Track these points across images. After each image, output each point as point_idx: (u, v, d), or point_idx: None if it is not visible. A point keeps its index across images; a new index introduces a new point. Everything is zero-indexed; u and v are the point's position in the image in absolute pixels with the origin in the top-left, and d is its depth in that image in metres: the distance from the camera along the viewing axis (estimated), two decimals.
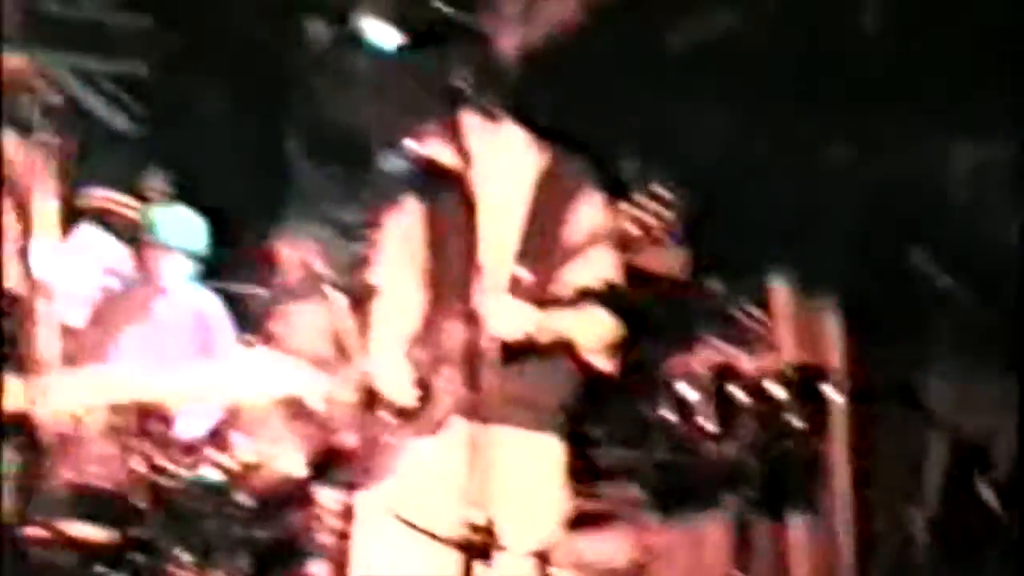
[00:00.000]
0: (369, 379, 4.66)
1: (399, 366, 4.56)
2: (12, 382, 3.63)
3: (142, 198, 6.42)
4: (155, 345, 6.26)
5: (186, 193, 6.62)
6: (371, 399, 4.60)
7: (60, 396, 3.35)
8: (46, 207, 3.44)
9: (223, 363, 5.65)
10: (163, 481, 5.46)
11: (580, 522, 5.26)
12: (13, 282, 3.69)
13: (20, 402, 3.49)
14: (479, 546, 4.05)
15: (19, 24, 3.53)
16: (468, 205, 4.50)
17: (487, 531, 4.06)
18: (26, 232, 3.44)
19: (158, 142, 7.35)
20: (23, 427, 3.51)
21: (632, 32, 7.19)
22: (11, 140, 3.74)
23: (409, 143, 4.64)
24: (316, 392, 3.89)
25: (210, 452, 5.52)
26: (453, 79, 4.39)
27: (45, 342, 3.31)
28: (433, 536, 4.48)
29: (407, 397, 4.54)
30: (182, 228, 6.53)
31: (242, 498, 5.58)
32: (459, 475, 4.41)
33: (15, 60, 3.60)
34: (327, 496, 5.86)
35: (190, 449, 5.56)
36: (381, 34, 7.10)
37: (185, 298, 6.45)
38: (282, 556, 5.98)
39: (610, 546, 6.44)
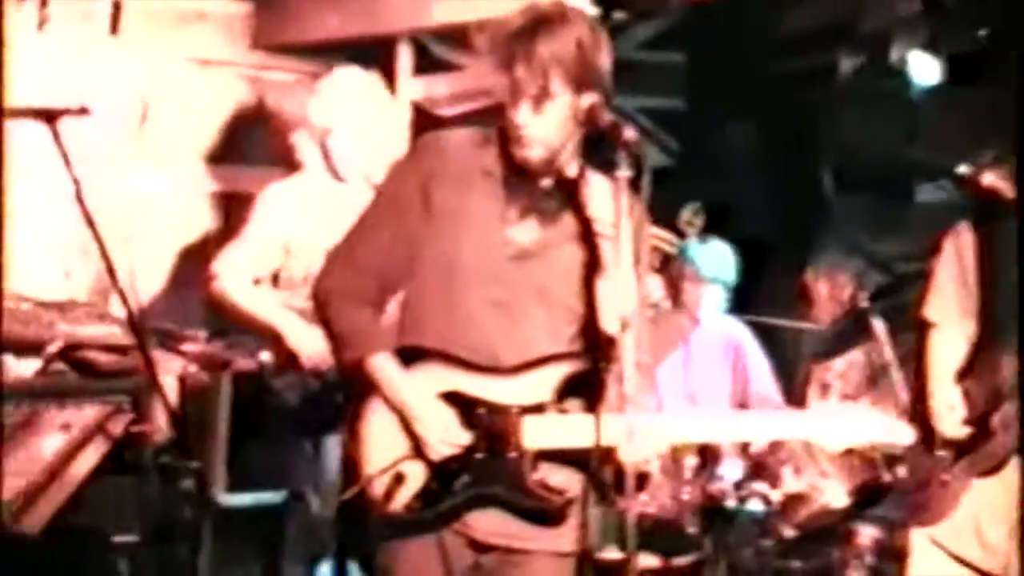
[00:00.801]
0: (920, 414, 4.60)
1: (954, 401, 4.49)
2: (582, 417, 3.73)
3: (677, 231, 6.51)
4: (691, 375, 6.35)
5: (719, 225, 6.68)
6: (925, 435, 4.54)
7: (640, 435, 3.43)
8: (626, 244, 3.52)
9: (778, 408, 5.74)
10: (711, 512, 5.56)
11: None
12: (606, 322, 3.76)
13: (598, 439, 3.59)
14: None
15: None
16: None
17: None
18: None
19: (691, 175, 7.46)
20: (604, 463, 3.61)
21: None
22: (598, 180, 3.84)
23: (963, 173, 4.56)
24: (869, 433, 3.84)
25: (757, 485, 5.57)
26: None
27: (629, 380, 3.39)
28: None
29: (962, 433, 4.47)
30: (715, 260, 6.61)
31: (784, 529, 5.61)
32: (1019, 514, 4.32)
33: (591, 98, 3.72)
34: (863, 531, 5.80)
35: (738, 481, 5.63)
36: (921, 65, 7.02)
37: (720, 329, 6.51)
38: None
39: None
